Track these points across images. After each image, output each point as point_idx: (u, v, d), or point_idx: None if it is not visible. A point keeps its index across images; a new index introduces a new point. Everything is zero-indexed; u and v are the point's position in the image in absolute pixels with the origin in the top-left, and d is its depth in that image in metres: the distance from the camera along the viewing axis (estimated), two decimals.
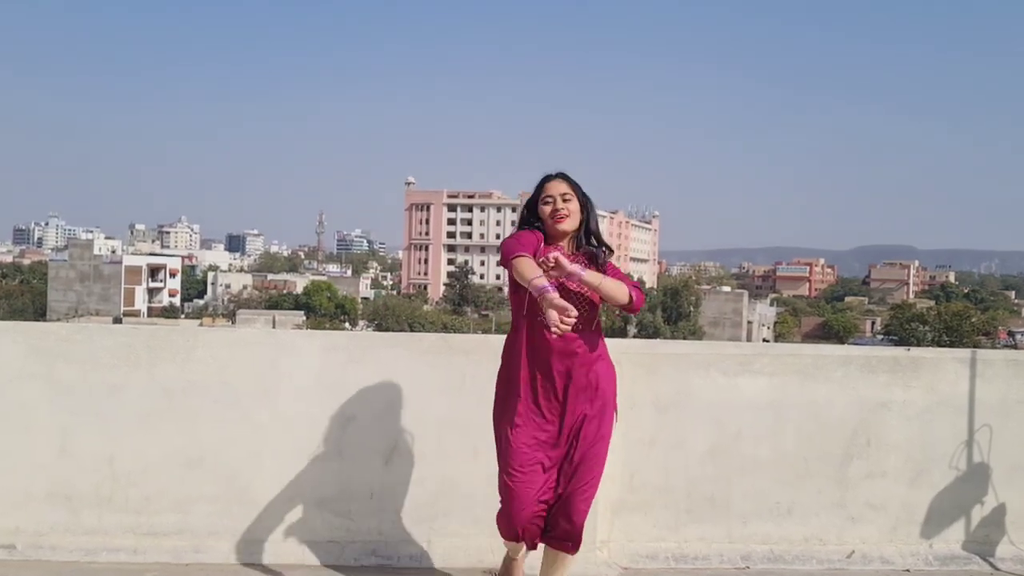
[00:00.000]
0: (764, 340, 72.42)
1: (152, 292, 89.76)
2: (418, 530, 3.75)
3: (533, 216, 3.09)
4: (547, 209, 3.04)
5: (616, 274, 3.06)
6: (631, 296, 2.99)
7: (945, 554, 3.92)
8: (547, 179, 3.09)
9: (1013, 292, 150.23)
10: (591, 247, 3.09)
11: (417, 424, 3.77)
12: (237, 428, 3.73)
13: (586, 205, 3.09)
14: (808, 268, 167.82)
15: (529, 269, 2.80)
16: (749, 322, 78.91)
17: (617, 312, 3.17)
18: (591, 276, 2.91)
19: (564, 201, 3.04)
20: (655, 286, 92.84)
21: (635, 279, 3.19)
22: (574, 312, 2.65)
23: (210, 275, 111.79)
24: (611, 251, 3.13)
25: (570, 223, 3.04)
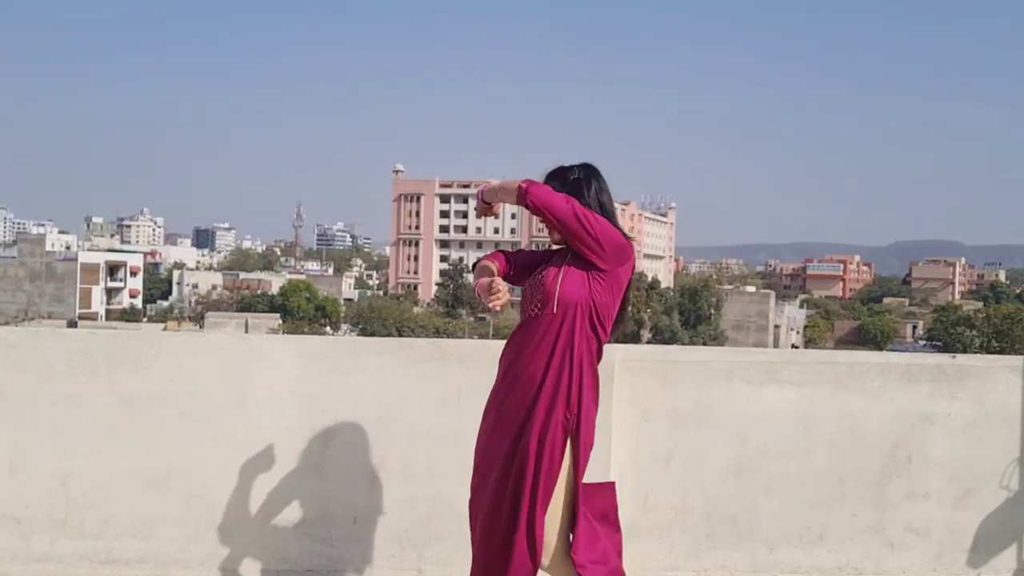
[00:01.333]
0: (793, 346, 72.52)
1: (111, 292, 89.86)
2: (407, 557, 3.76)
3: None
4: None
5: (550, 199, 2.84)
6: (517, 186, 2.81)
7: None
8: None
9: None
10: None
11: (407, 439, 3.77)
12: (206, 444, 3.73)
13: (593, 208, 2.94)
14: (842, 266, 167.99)
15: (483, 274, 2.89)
16: (776, 326, 79.01)
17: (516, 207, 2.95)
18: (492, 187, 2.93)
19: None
20: (671, 286, 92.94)
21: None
22: (499, 288, 2.71)
23: (175, 274, 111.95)
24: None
25: (555, 236, 2.92)
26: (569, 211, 2.77)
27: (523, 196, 2.79)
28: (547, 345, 2.80)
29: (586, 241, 2.78)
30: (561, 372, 2.79)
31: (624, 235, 2.87)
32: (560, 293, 2.80)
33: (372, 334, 57.75)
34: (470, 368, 3.73)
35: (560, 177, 2.92)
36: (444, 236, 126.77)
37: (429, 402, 3.78)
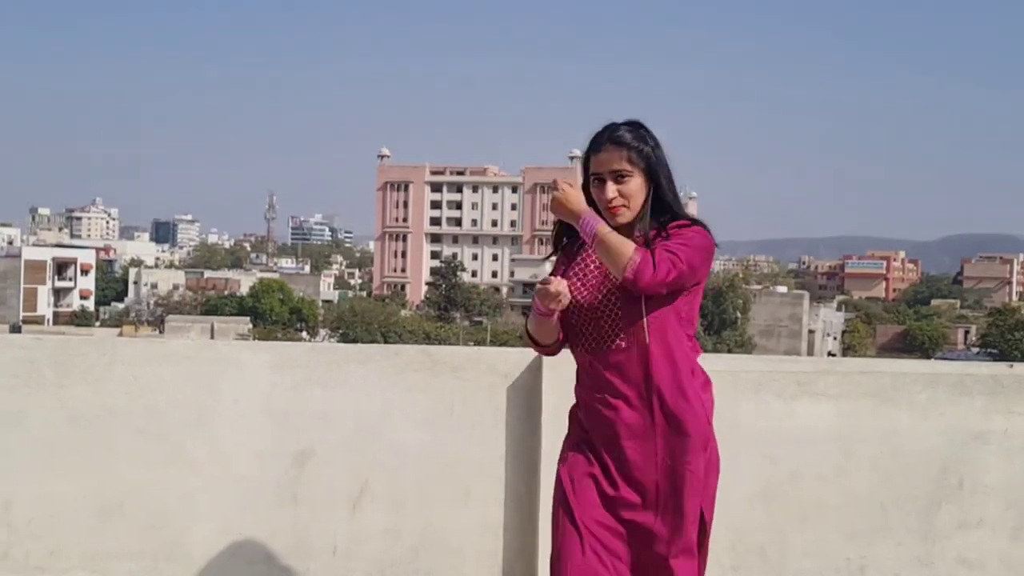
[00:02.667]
0: (830, 354, 72.51)
1: (59, 293, 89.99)
2: None
3: (590, 199, 2.84)
4: (598, 195, 2.79)
5: (680, 239, 2.74)
6: (630, 261, 2.66)
7: None
8: (594, 148, 2.81)
9: None
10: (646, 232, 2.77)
11: (393, 460, 3.77)
12: (166, 465, 3.73)
13: (653, 169, 2.78)
14: (885, 263, 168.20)
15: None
16: (811, 331, 79.09)
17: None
18: (604, 232, 2.69)
19: (618, 182, 2.77)
20: None
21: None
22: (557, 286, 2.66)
23: (132, 272, 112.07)
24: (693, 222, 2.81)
25: (628, 214, 2.79)
26: (676, 280, 2.71)
27: (630, 284, 2.69)
28: None
29: (688, 285, 2.79)
30: None
31: (706, 233, 2.81)
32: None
33: (354, 340, 57.76)
34: (465, 379, 3.73)
35: (635, 142, 2.77)
36: (435, 229, 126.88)
37: (418, 418, 3.78)
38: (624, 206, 2.77)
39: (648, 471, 2.78)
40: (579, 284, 2.83)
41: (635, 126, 2.82)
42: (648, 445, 2.78)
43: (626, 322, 2.77)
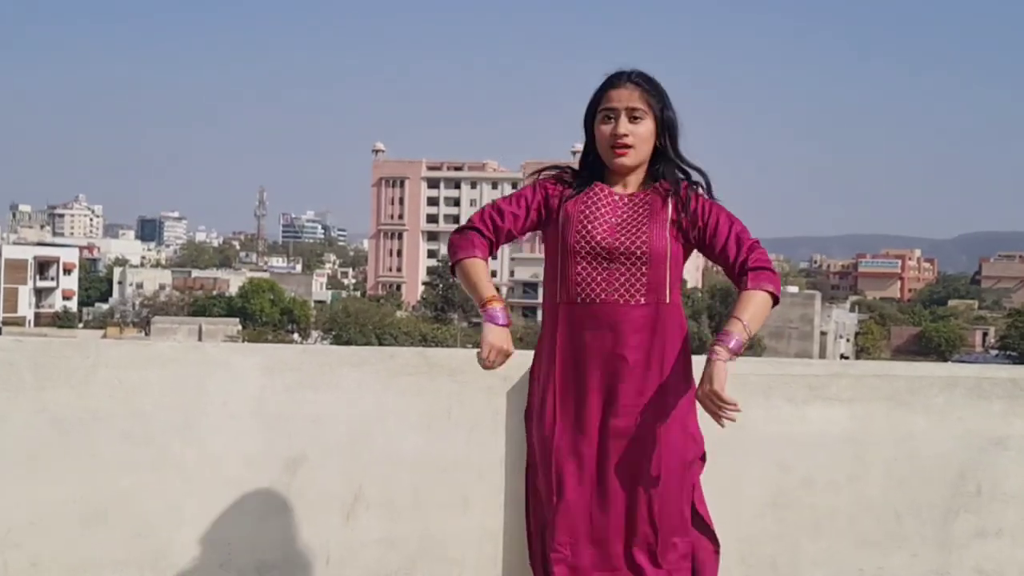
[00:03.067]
0: (842, 356, 72.57)
1: (41, 293, 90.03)
2: None
3: (589, 135, 2.92)
4: (606, 131, 2.84)
5: (730, 222, 2.90)
6: (774, 297, 2.92)
7: None
8: (611, 83, 2.87)
9: None
10: (676, 179, 2.88)
11: (388, 466, 3.77)
12: (152, 471, 3.73)
13: (665, 124, 2.86)
14: (899, 262, 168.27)
15: (477, 279, 2.87)
16: (823, 333, 79.10)
17: None
18: (736, 345, 2.91)
19: (632, 121, 2.82)
20: (699, 286, 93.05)
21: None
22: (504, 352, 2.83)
23: (117, 271, 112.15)
24: (704, 184, 2.94)
25: (634, 156, 2.85)
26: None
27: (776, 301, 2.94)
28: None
29: None
30: None
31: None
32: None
33: (348, 342, 57.79)
34: (463, 382, 3.72)
35: (652, 86, 2.86)
36: (432, 227, 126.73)
37: (414, 422, 3.78)
38: (632, 147, 2.82)
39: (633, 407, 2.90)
40: (591, 229, 2.85)
41: (652, 80, 2.88)
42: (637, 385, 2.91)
43: (649, 278, 2.84)
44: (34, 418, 3.73)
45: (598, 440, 2.88)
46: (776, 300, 2.90)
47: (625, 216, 2.87)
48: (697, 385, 2.92)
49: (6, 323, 73.60)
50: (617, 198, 2.90)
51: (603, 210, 2.87)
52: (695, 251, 3.00)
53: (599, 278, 2.84)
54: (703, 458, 3.09)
